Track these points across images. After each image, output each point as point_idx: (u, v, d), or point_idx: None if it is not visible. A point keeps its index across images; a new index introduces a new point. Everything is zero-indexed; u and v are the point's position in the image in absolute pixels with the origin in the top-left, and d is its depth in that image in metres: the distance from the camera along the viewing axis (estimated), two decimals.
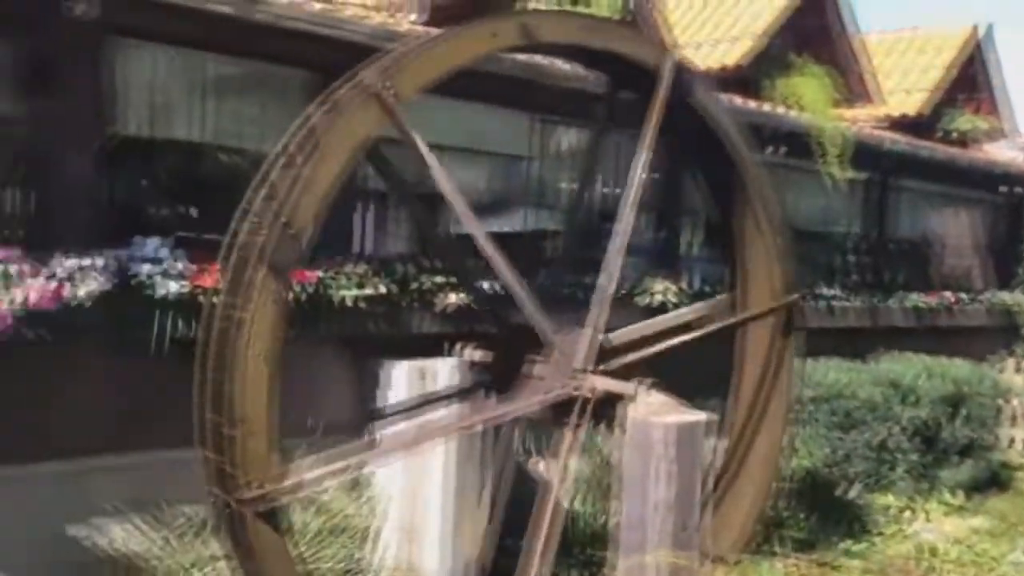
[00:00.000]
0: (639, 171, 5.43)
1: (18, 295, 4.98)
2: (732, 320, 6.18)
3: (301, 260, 4.85)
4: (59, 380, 5.42)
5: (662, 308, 8.22)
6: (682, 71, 5.66)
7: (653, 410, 4.77)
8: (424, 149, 4.94)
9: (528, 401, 5.17)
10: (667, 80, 5.47)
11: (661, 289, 8.54)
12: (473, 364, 5.79)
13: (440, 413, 5.71)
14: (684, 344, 5.73)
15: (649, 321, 6.04)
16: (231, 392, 4.38)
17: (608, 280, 5.29)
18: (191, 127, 6.44)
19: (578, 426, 5.07)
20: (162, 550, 5.43)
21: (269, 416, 4.43)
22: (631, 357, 5.36)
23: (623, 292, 7.73)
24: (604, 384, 5.05)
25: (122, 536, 5.52)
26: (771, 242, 6.12)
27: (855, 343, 10.24)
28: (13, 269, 5.00)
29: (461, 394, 5.81)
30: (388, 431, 5.61)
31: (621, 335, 5.49)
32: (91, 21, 5.45)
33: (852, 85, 11.93)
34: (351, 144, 4.65)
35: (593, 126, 6.76)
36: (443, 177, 5.04)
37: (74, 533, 5.54)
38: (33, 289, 5.03)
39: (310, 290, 6.18)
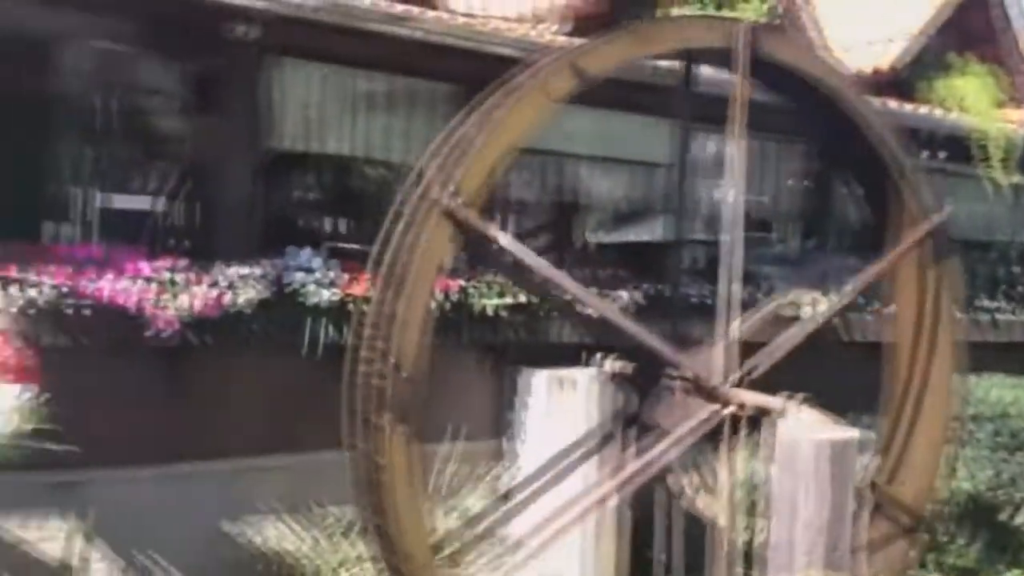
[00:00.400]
0: (736, 165, 5.26)
1: (185, 302, 5.26)
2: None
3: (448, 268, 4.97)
4: (220, 383, 5.71)
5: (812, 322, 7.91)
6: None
7: (804, 426, 4.60)
8: None
9: (679, 436, 5.06)
10: (741, 61, 5.28)
11: (809, 301, 8.24)
12: (613, 375, 5.74)
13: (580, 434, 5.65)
14: (834, 358, 5.51)
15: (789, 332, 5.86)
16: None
17: (736, 288, 5.15)
18: (342, 141, 6.67)
19: (731, 444, 4.95)
20: (312, 550, 5.62)
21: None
22: (768, 363, 5.19)
23: (770, 304, 7.51)
24: (752, 399, 4.92)
25: (274, 535, 5.75)
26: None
27: (1021, 359, 9.59)
28: (180, 278, 5.29)
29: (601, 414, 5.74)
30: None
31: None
32: (251, 42, 5.72)
33: (1019, 85, 11.21)
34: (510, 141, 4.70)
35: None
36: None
37: (230, 530, 5.80)
38: (198, 296, 5.30)
39: (453, 298, 6.28)
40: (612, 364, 5.80)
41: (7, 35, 5.76)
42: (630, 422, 5.64)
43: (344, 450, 5.17)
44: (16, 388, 2.74)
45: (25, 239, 5.18)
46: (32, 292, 4.78)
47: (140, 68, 6.26)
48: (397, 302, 4.65)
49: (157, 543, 5.49)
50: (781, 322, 7.95)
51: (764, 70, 5.42)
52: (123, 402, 5.25)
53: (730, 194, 5.25)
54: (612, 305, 5.16)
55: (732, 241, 5.21)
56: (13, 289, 4.66)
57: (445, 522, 5.77)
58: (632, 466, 5.22)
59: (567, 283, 5.22)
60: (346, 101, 6.64)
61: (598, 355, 5.89)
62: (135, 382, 5.38)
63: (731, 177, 5.29)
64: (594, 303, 5.22)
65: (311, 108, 6.48)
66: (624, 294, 6.64)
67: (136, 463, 5.39)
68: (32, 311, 4.74)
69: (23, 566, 4.86)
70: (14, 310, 4.45)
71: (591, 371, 5.84)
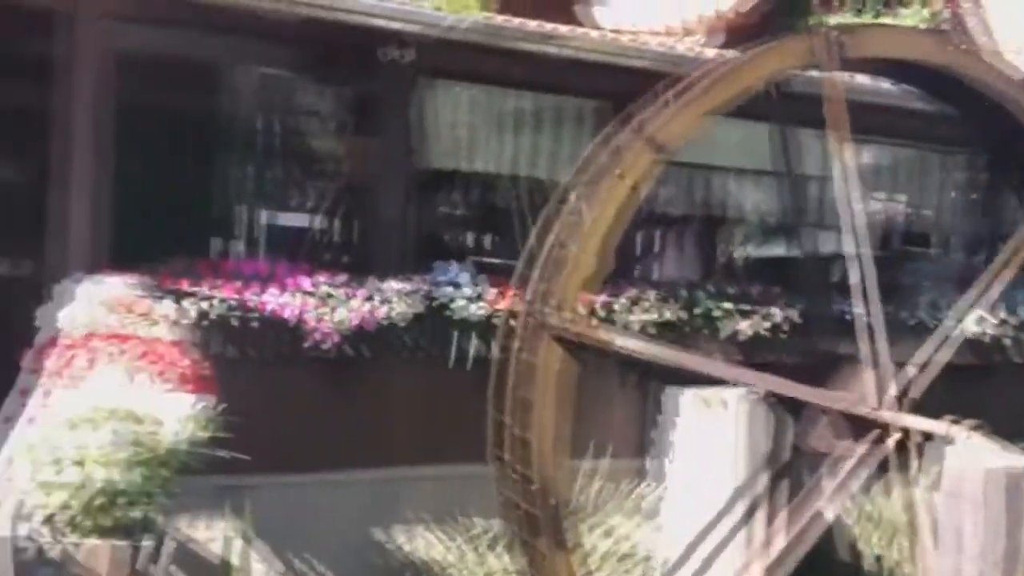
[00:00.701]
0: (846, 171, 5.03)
1: (342, 315, 5.46)
2: None
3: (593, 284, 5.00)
4: (374, 394, 5.89)
5: (977, 342, 7.48)
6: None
7: (974, 454, 4.34)
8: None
9: (848, 471, 4.89)
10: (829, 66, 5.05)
11: (976, 320, 7.77)
12: (765, 395, 5.58)
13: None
14: (1004, 380, 5.19)
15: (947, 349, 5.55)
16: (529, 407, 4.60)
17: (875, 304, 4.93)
18: (490, 159, 6.79)
19: (899, 472, 4.74)
20: (459, 561, 5.71)
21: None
22: (925, 382, 4.94)
23: (935, 323, 7.14)
24: (917, 424, 4.68)
25: (422, 544, 5.87)
26: None
27: None
28: (339, 292, 5.49)
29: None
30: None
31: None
32: (406, 65, 5.89)
33: None
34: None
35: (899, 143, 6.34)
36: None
37: (380, 538, 5.97)
38: (355, 310, 5.49)
39: (599, 314, 6.27)
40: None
41: (179, 62, 6.18)
42: (782, 444, 5.49)
43: (490, 463, 5.25)
44: (192, 397, 2.90)
45: (196, 255, 5.50)
46: (203, 305, 5.08)
47: (300, 92, 6.58)
48: (544, 317, 4.71)
49: (312, 547, 5.70)
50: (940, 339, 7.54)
51: (922, 76, 5.21)
52: (284, 411, 5.50)
53: (852, 205, 5.05)
54: (744, 371, 5.03)
55: (860, 255, 5.02)
56: (186, 302, 4.96)
57: (589, 539, 5.76)
58: (793, 498, 5.09)
59: (691, 363, 5.14)
60: (494, 120, 6.76)
61: None
62: (296, 392, 5.62)
63: (847, 186, 5.10)
64: (728, 373, 5.13)
65: (461, 127, 6.63)
66: (776, 311, 6.45)
67: (295, 469, 5.63)
68: (203, 323, 5.03)
69: (189, 564, 5.14)
70: (188, 322, 4.73)
71: (740, 391, 5.71)
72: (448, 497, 5.99)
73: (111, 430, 2.54)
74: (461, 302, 5.99)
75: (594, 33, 6.52)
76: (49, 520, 2.43)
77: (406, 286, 5.77)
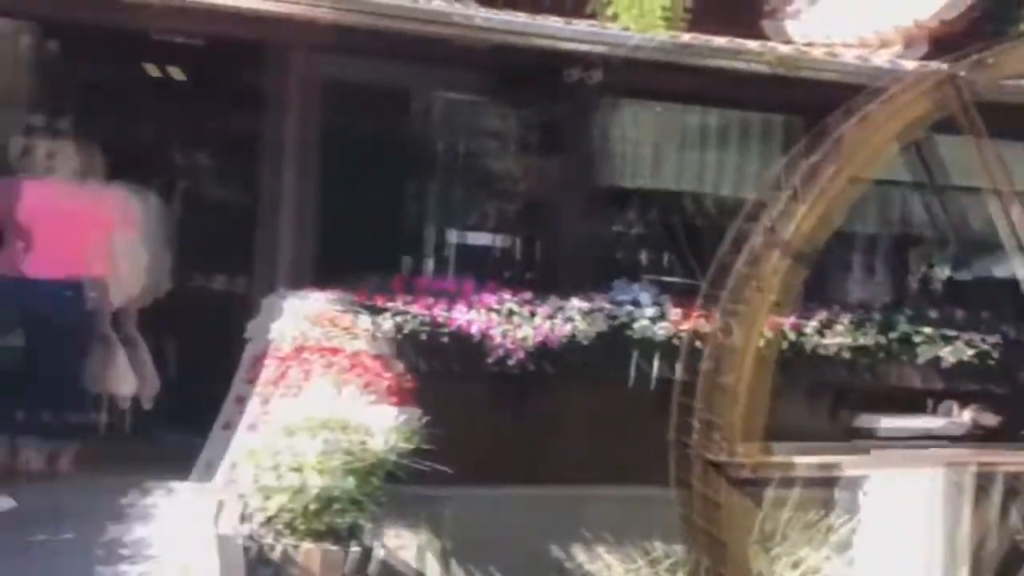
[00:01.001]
0: None
1: (526, 333, 5.55)
2: None
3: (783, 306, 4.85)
4: (557, 411, 5.94)
5: None
6: None
7: None
8: None
9: None
10: None
11: None
12: (974, 427, 5.23)
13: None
14: None
15: None
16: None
17: None
18: (674, 177, 6.75)
19: None
20: None
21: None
22: None
23: None
24: None
25: (602, 565, 5.85)
26: None
27: None
28: (523, 309, 5.59)
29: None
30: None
31: None
32: (590, 85, 5.95)
33: None
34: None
35: None
36: None
37: (559, 556, 6.00)
38: (538, 327, 5.57)
39: (789, 337, 6.08)
40: (970, 414, 5.31)
41: (376, 89, 6.51)
42: (990, 480, 5.12)
43: (673, 486, 5.17)
44: (397, 409, 3.02)
45: (390, 273, 5.74)
46: (397, 320, 5.30)
47: (487, 115, 6.77)
48: (731, 337, 4.60)
49: (492, 560, 5.81)
50: None
51: None
52: (468, 425, 5.63)
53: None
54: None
55: None
56: (381, 317, 5.18)
57: (776, 570, 5.57)
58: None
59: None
60: (679, 137, 6.72)
61: (952, 404, 5.43)
62: (480, 406, 5.74)
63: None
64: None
65: (645, 145, 6.63)
66: (982, 336, 6.04)
67: (478, 483, 5.75)
68: (396, 338, 5.24)
69: (381, 571, 5.34)
70: (385, 337, 4.94)
71: (940, 421, 5.40)
72: (629, 518, 5.94)
73: (325, 439, 2.68)
74: (643, 321, 5.95)
75: (784, 47, 6.35)
76: (269, 522, 2.59)
77: (588, 304, 5.78)
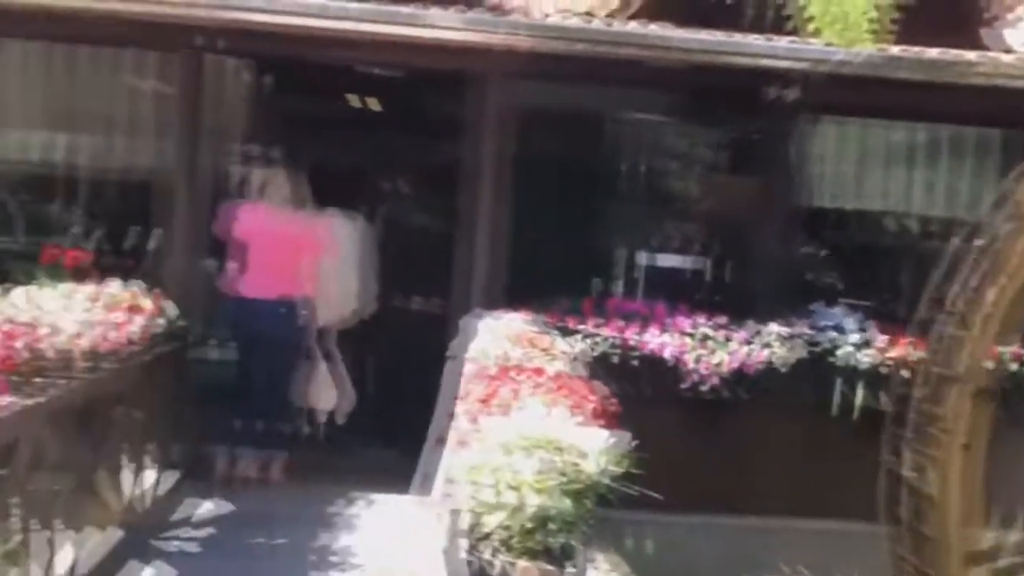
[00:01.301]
0: None
1: (721, 358, 5.43)
2: None
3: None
4: (751, 439, 5.78)
5: None
6: None
7: None
8: None
9: None
10: None
11: None
12: None
13: None
14: None
15: None
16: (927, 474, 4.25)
17: None
18: (879, 196, 6.46)
19: None
20: None
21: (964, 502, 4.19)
22: None
23: None
24: None
25: None
26: None
27: None
28: (718, 334, 5.47)
29: None
30: None
31: None
32: (789, 102, 5.79)
33: None
34: None
35: None
36: None
37: None
38: (734, 353, 5.44)
39: (1011, 368, 5.65)
40: None
41: (569, 114, 6.59)
42: None
43: (882, 523, 4.90)
44: (606, 432, 3.01)
45: (580, 295, 5.77)
46: (588, 343, 5.31)
47: (680, 136, 6.72)
48: (951, 366, 4.33)
49: None
50: None
51: None
52: (658, 449, 5.53)
53: None
54: None
55: None
56: (573, 339, 5.21)
57: None
58: None
59: None
60: (883, 155, 6.43)
61: None
62: (671, 431, 5.65)
63: None
64: None
65: (846, 163, 6.39)
66: None
67: (665, 508, 5.64)
68: (589, 361, 5.24)
69: None
70: (584, 359, 4.96)
71: None
72: (824, 553, 5.67)
73: (541, 458, 2.70)
74: (847, 348, 5.70)
75: (1006, 57, 5.95)
76: (486, 538, 2.63)
77: (787, 330, 5.59)
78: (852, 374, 5.68)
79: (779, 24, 5.63)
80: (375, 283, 6.50)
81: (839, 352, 5.67)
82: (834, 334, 5.76)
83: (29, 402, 3.59)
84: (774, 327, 5.64)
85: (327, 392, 5.84)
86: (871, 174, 6.51)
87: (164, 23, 5.30)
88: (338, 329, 6.12)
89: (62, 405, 3.90)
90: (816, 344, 5.74)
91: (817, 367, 5.72)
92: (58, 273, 4.86)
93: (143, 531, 4.72)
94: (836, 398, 5.70)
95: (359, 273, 6.35)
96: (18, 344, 3.77)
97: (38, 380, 3.81)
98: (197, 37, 5.50)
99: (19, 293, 4.34)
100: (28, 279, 4.57)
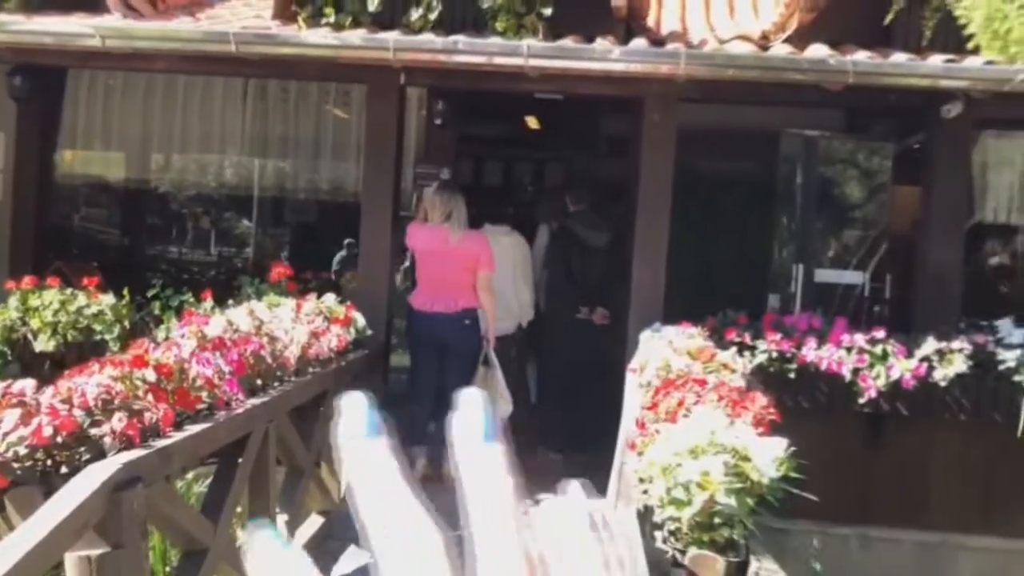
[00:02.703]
0: None
1: (897, 373, 5.49)
2: None
3: None
4: (919, 454, 5.80)
5: None
6: None
7: None
8: None
9: None
10: None
11: None
12: None
13: None
14: None
15: None
16: None
17: None
18: None
19: None
20: None
21: None
22: None
23: None
24: None
25: None
26: None
27: None
28: (888, 348, 5.53)
29: None
30: None
31: None
32: (958, 118, 5.80)
33: None
34: None
35: None
36: None
37: None
38: (915, 368, 5.48)
39: None
40: None
41: (730, 132, 6.77)
42: None
43: None
44: (780, 440, 3.24)
45: (748, 309, 5.92)
46: (762, 358, 5.48)
47: (845, 151, 6.78)
48: None
49: None
50: None
51: None
52: (827, 461, 5.65)
53: None
54: None
55: None
56: (748, 353, 5.40)
57: None
58: None
59: None
60: None
61: None
62: (842, 445, 5.76)
63: None
64: None
65: (1014, 176, 6.30)
66: None
67: (834, 520, 5.74)
68: (762, 374, 5.42)
69: None
70: (755, 372, 5.15)
71: None
72: (992, 570, 5.64)
73: (725, 461, 2.97)
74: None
75: None
76: (674, 533, 2.92)
77: (964, 345, 5.58)
78: None
79: (959, 43, 5.66)
80: (531, 294, 6.90)
81: (1014, 367, 5.57)
82: (1019, 352, 5.66)
83: (257, 401, 4.14)
84: (957, 343, 5.58)
85: (504, 398, 6.23)
86: None
87: (365, 64, 5.82)
88: (496, 337, 6.47)
89: (281, 404, 4.44)
90: (995, 360, 5.65)
91: (996, 383, 5.64)
92: (281, 289, 5.47)
93: (339, 518, 5.24)
94: (1018, 415, 5.60)
95: (515, 285, 6.77)
96: (247, 351, 4.31)
97: (260, 382, 4.36)
98: (399, 74, 5.98)
99: (243, 306, 4.95)
100: (257, 294, 5.18)
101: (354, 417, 0.77)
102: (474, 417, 0.76)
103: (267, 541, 0.71)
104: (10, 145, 7.26)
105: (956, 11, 4.55)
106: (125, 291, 5.92)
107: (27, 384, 3.08)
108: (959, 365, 5.60)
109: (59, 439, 2.92)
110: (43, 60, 6.24)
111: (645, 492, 3.18)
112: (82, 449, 2.96)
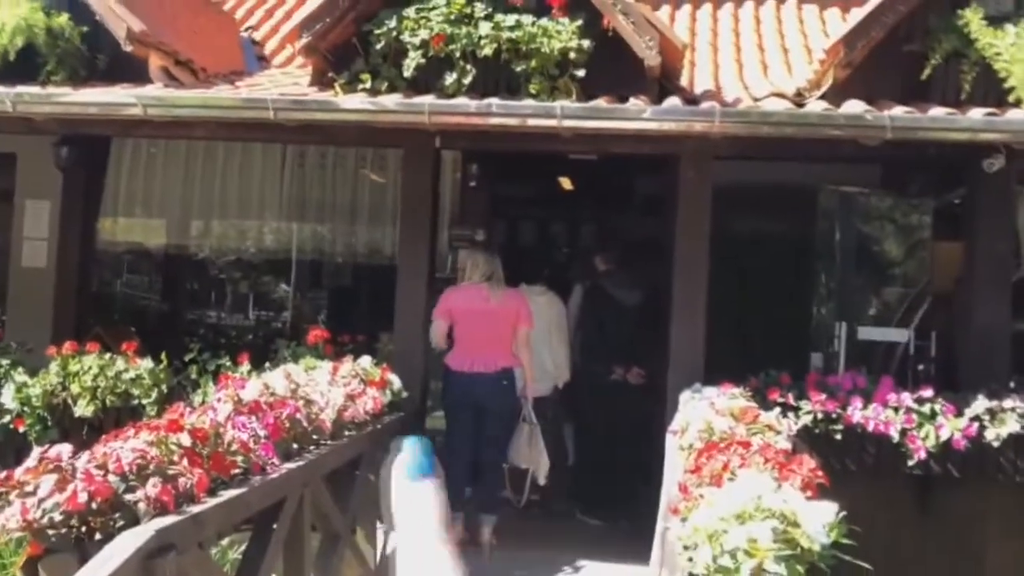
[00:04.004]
0: None
1: (947, 433, 5.33)
2: None
3: None
4: (970, 517, 5.60)
5: None
6: None
7: None
8: None
9: None
10: None
11: None
12: None
13: None
14: None
15: None
16: None
17: None
18: None
19: None
20: None
21: None
22: None
23: None
24: None
25: None
26: None
27: None
28: (936, 408, 5.38)
29: None
30: None
31: None
32: (1000, 172, 5.72)
33: None
34: None
35: None
36: None
37: None
38: (966, 428, 5.32)
39: None
40: None
41: (766, 190, 6.72)
42: None
43: None
44: (830, 505, 3.12)
45: (789, 368, 5.81)
46: (807, 419, 5.35)
47: (884, 206, 6.70)
48: None
49: None
50: None
51: None
52: (877, 526, 5.46)
53: None
54: None
55: None
56: (793, 414, 5.28)
57: None
58: None
59: None
60: None
61: None
62: (887, 508, 5.57)
63: None
64: None
65: None
66: None
67: None
68: (807, 435, 5.29)
69: None
70: (800, 434, 5.03)
71: None
72: None
73: (773, 527, 2.86)
74: None
75: None
76: None
77: (1017, 404, 5.41)
78: None
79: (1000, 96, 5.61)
80: (566, 354, 6.84)
81: None
82: None
83: (292, 465, 4.09)
84: (1010, 402, 5.43)
85: (543, 457, 6.14)
86: None
87: (401, 128, 5.88)
88: (534, 397, 6.39)
89: (317, 469, 4.38)
90: None
91: None
92: (317, 352, 5.46)
93: None
94: None
95: (550, 345, 6.72)
96: (283, 414, 4.28)
97: (295, 446, 4.31)
98: (434, 137, 6.05)
99: (279, 370, 4.94)
100: (294, 357, 5.18)
101: (407, 458, 0.73)
102: (403, 456, 0.71)
103: None
104: (55, 214, 7.41)
105: (995, 64, 4.50)
106: (163, 356, 5.95)
107: (64, 449, 3.06)
108: (1012, 424, 5.43)
109: (94, 505, 2.88)
110: (88, 130, 6.39)
111: (690, 560, 3.07)
112: (116, 515, 2.92)
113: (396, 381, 5.72)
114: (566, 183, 9.23)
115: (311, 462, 4.28)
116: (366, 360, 5.49)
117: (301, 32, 6.13)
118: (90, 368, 5.77)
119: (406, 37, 6.01)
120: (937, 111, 5.54)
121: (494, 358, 6.01)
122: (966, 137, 5.45)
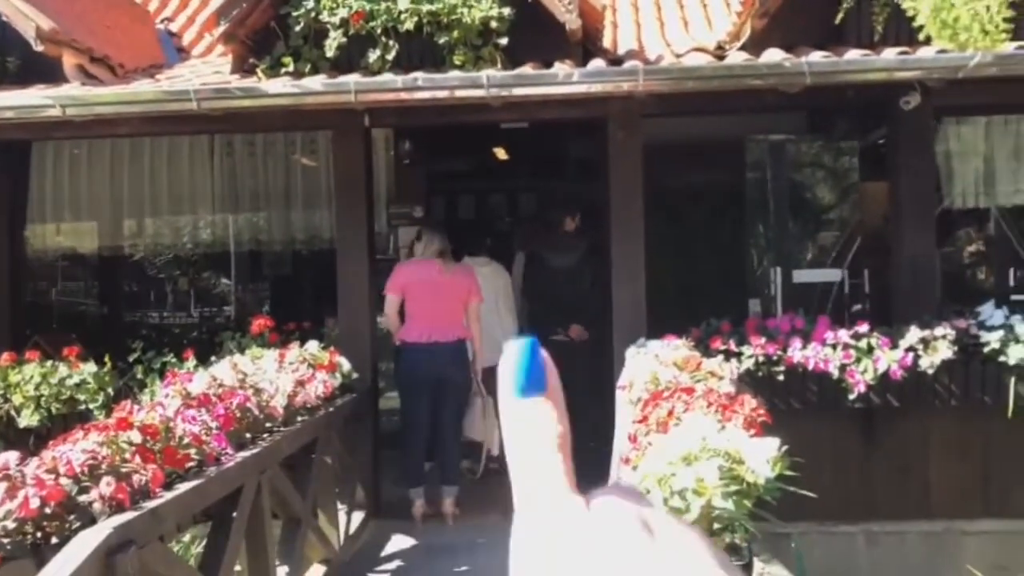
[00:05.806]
0: None
1: (884, 365, 5.50)
2: None
3: None
4: (912, 444, 5.81)
5: None
6: None
7: None
8: None
9: None
10: None
11: None
12: None
13: None
14: None
15: None
16: None
17: None
18: (1015, 191, 6.42)
19: None
20: None
21: None
22: None
23: None
24: None
25: None
26: None
27: None
28: (878, 341, 5.54)
29: None
30: None
31: None
32: (917, 109, 5.87)
33: None
34: None
35: None
36: None
37: None
38: (902, 359, 5.50)
39: None
40: None
41: (695, 143, 6.83)
42: None
43: None
44: (772, 440, 3.24)
45: (728, 316, 5.94)
46: (749, 363, 5.49)
47: (810, 151, 6.85)
48: None
49: None
50: None
51: None
52: (824, 460, 5.66)
53: None
54: None
55: None
56: (735, 360, 5.40)
57: None
58: None
59: None
60: (1017, 149, 6.39)
61: None
62: (835, 443, 5.76)
63: None
64: None
65: (978, 161, 6.38)
66: None
67: (837, 519, 5.74)
68: (751, 378, 5.42)
69: None
70: (742, 377, 5.15)
71: None
72: (1011, 554, 5.63)
73: (719, 466, 2.96)
74: (1017, 346, 5.64)
75: None
76: None
77: (947, 331, 5.60)
78: (1014, 370, 5.61)
79: (895, 35, 5.75)
80: (514, 322, 6.92)
81: (1008, 351, 5.55)
82: (1000, 333, 5.68)
83: (247, 454, 4.10)
84: (940, 330, 5.57)
85: (497, 429, 6.21)
86: (1010, 169, 6.46)
87: (328, 109, 5.84)
88: (484, 368, 6.46)
89: (272, 455, 4.40)
90: (979, 343, 5.65)
91: (983, 367, 5.64)
92: (263, 340, 5.44)
93: (341, 567, 5.18)
94: (1011, 398, 5.60)
95: (499, 314, 6.80)
96: (233, 404, 4.27)
97: (248, 435, 4.32)
98: (363, 116, 6.01)
99: (226, 361, 4.92)
100: (240, 349, 5.15)
101: (512, 370, 0.70)
102: (507, 371, 0.71)
103: None
104: None
105: (904, 4, 4.61)
106: (107, 358, 5.88)
107: (10, 456, 3.03)
108: (944, 352, 5.60)
109: (47, 510, 2.87)
110: (5, 135, 6.23)
111: (663, 503, 3.17)
112: (72, 517, 2.92)
113: (345, 363, 5.73)
114: (501, 153, 9.26)
115: (266, 449, 4.29)
116: (313, 345, 5.49)
117: (219, 19, 6.04)
118: (31, 377, 5.67)
119: (325, 17, 5.97)
120: (853, 54, 5.67)
121: (451, 328, 6.06)
122: (882, 77, 5.59)
